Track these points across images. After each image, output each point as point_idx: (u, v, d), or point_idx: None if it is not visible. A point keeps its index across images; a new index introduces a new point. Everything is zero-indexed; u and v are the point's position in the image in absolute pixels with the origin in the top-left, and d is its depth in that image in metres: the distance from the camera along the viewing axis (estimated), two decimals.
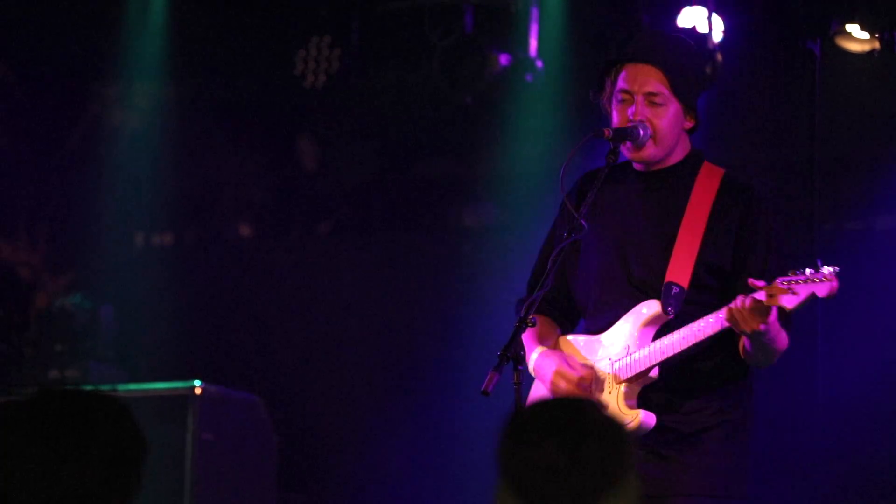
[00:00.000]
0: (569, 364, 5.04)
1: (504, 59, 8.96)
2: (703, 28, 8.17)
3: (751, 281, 4.73)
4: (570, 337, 5.19)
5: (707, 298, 4.93)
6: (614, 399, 4.96)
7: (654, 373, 4.94)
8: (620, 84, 5.05)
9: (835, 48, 8.07)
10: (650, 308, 4.96)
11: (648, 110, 5.02)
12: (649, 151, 5.06)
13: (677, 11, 8.29)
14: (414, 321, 9.56)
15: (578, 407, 2.99)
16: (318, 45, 9.20)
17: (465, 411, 8.61)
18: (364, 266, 9.88)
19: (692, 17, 8.26)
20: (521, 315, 4.81)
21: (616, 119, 5.08)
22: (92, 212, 9.88)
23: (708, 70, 7.98)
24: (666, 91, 5.02)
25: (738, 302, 4.73)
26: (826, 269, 4.61)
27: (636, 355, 4.94)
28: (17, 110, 9.86)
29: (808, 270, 4.62)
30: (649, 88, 5.02)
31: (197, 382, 8.15)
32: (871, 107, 8.48)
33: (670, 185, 5.10)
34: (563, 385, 5.02)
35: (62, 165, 10.03)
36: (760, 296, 4.70)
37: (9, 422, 3.09)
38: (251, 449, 8.47)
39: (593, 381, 5.03)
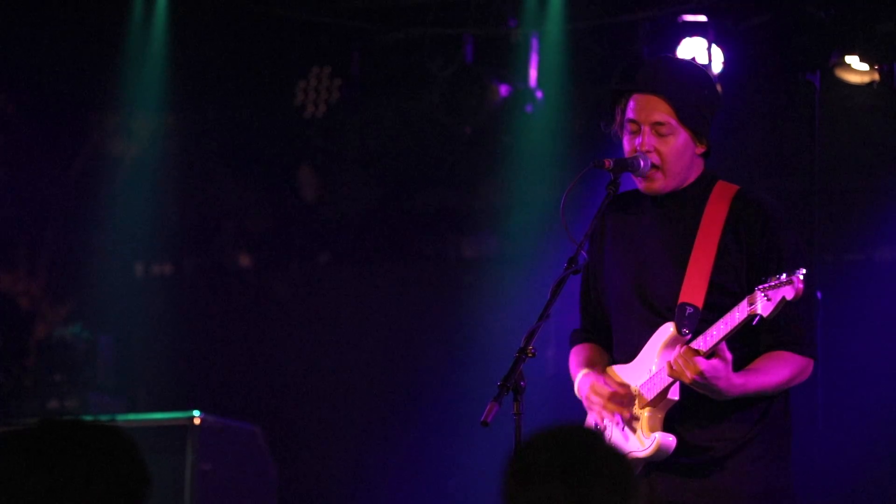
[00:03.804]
0: (604, 381, 5.04)
1: (504, 90, 8.98)
2: (702, 59, 8.19)
3: (685, 329, 4.81)
4: (613, 367, 5.17)
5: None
6: (639, 424, 4.95)
7: (674, 394, 4.90)
8: (628, 114, 5.03)
9: (834, 79, 8.09)
10: (666, 331, 4.94)
11: (656, 140, 5.01)
12: (659, 184, 5.05)
13: (677, 42, 8.30)
14: (414, 351, 9.55)
15: (584, 443, 2.97)
16: (318, 76, 9.22)
17: (465, 441, 8.60)
18: (363, 296, 9.88)
19: (692, 49, 8.28)
20: (522, 345, 4.79)
21: (626, 148, 5.07)
22: (92, 241, 9.88)
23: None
24: (673, 121, 5.00)
25: (676, 350, 4.76)
26: (798, 273, 4.59)
27: (654, 377, 4.93)
28: (18, 139, 9.87)
29: (782, 276, 4.60)
30: (655, 118, 5.00)
31: (196, 412, 8.13)
32: (871, 138, 8.49)
33: (683, 207, 5.07)
34: (595, 399, 5.03)
35: (62, 195, 10.03)
36: (697, 344, 4.73)
37: (10, 452, 3.08)
38: (250, 479, 8.44)
39: (627, 399, 5.02)
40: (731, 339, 4.81)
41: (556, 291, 4.89)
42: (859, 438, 8.15)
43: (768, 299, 4.59)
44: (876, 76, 8.01)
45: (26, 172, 9.91)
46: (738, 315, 4.67)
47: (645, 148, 5.00)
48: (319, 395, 9.69)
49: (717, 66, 8.21)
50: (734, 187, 5.08)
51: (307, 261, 10.22)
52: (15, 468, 3.05)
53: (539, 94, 8.98)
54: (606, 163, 5.04)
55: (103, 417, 8.47)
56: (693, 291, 4.92)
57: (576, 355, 5.27)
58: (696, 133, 5.05)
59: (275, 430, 8.90)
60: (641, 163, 5.02)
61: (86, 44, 9.29)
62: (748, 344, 4.95)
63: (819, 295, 7.54)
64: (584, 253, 4.93)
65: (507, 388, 4.69)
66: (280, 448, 8.83)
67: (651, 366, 4.95)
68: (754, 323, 4.65)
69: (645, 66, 5.13)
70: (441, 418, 9.13)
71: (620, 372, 5.09)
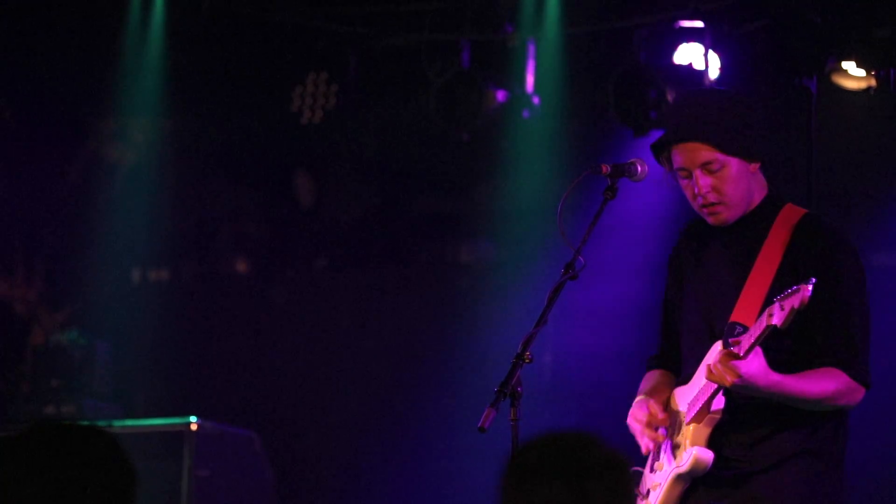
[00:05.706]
0: (645, 407, 5.06)
1: (501, 95, 8.98)
2: (699, 65, 8.20)
3: (731, 339, 4.75)
4: (675, 389, 5.15)
5: (779, 343, 4.82)
6: (683, 440, 4.94)
7: (716, 408, 4.88)
8: (676, 164, 5.03)
9: (831, 85, 8.09)
10: (716, 350, 4.90)
11: (710, 178, 4.97)
12: (723, 216, 5.03)
13: (674, 48, 8.31)
14: (411, 356, 9.55)
15: (581, 443, 2.98)
16: (315, 82, 9.21)
17: (462, 446, 8.60)
18: (360, 302, 9.88)
19: (688, 54, 8.29)
20: (519, 351, 4.80)
21: (687, 194, 5.04)
22: (88, 247, 9.87)
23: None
24: (719, 155, 4.96)
25: (715, 356, 4.75)
26: (810, 282, 4.57)
27: (699, 391, 4.92)
28: (14, 145, 9.87)
29: (795, 286, 4.60)
30: (701, 160, 4.96)
31: (193, 418, 8.14)
32: (868, 144, 8.50)
33: (747, 232, 5.05)
34: (633, 426, 5.07)
35: (59, 201, 10.03)
36: (737, 349, 4.70)
37: (1, 456, 3.08)
38: (248, 485, 8.45)
39: (670, 424, 5.02)
40: (787, 361, 4.82)
41: (554, 297, 4.90)
42: (859, 439, 8.11)
43: (782, 309, 4.59)
44: (873, 82, 8.02)
45: (23, 178, 9.91)
46: (762, 324, 4.66)
47: (703, 191, 4.97)
48: (316, 401, 9.69)
49: (713, 72, 8.21)
50: (801, 211, 5.05)
51: (304, 266, 10.22)
52: (6, 472, 3.05)
53: (536, 100, 8.98)
54: (603, 168, 5.06)
55: (100, 423, 8.47)
56: (745, 311, 4.89)
57: (643, 383, 5.27)
58: (746, 155, 5.01)
59: (272, 435, 8.90)
60: (639, 168, 5.05)
61: (82, 49, 9.28)
62: (801, 363, 4.91)
63: None
64: (580, 259, 4.93)
65: (505, 393, 4.72)
66: (277, 454, 8.83)
67: (699, 385, 4.94)
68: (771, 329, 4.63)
69: (672, 112, 5.12)
70: (438, 424, 9.12)
71: (679, 393, 5.09)
